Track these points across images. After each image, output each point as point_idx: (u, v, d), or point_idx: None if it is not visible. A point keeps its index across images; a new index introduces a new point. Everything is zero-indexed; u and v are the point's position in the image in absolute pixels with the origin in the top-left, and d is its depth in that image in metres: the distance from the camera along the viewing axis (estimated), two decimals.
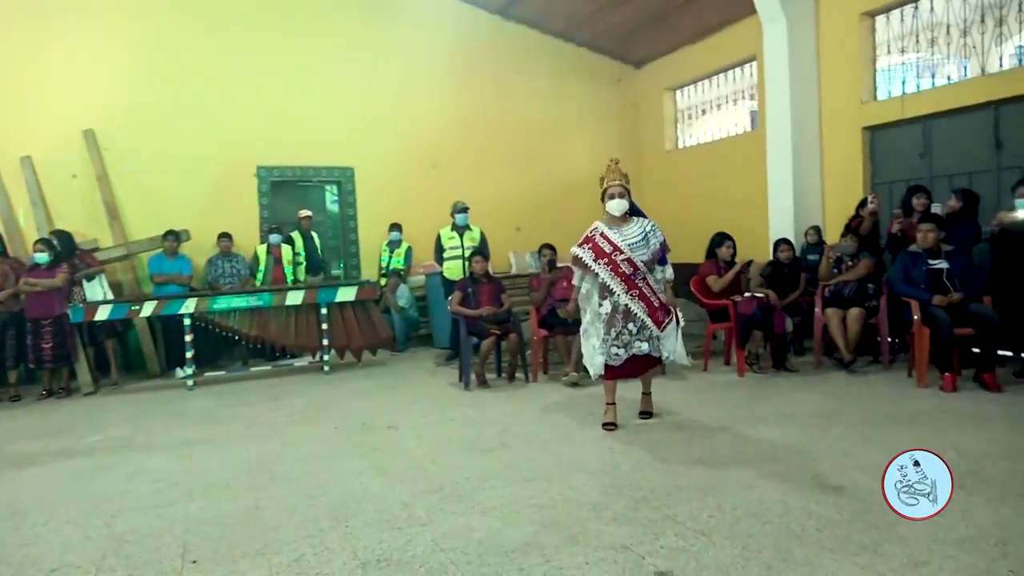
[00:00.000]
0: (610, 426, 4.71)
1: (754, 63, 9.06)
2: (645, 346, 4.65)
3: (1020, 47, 6.78)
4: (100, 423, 5.68)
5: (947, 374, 5.31)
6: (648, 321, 4.63)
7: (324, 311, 7.36)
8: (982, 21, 6.66)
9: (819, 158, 8.14)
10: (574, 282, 4.91)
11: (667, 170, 10.70)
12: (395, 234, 9.09)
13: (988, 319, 5.32)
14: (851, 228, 6.64)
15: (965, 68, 6.95)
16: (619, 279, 4.62)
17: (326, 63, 9.41)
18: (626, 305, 4.62)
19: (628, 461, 4.04)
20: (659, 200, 10.75)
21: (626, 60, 11.06)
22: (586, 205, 9.98)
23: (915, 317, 5.57)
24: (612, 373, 4.73)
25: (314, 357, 7.71)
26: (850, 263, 6.47)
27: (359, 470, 4.10)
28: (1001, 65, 6.63)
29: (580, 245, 4.75)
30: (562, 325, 6.41)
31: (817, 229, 7.51)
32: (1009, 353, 5.77)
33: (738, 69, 9.55)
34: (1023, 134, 6.31)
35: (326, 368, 7.40)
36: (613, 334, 4.63)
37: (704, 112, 10.40)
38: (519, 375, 6.58)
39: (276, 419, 5.52)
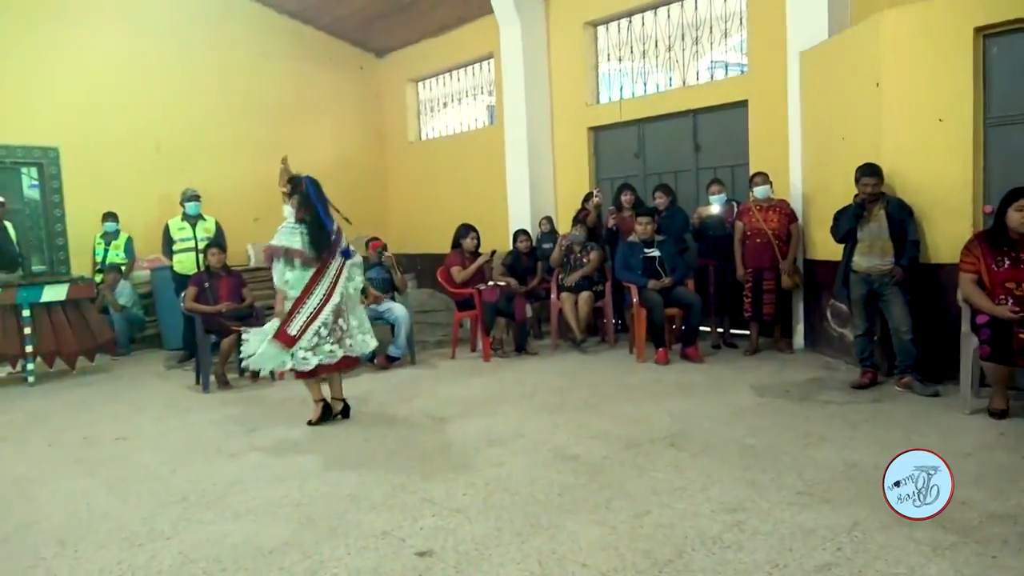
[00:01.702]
0: (317, 423, 4.65)
1: (492, 60, 9.49)
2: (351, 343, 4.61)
3: (713, 63, 7.89)
4: None
5: (660, 349, 6.08)
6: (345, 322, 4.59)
7: (27, 313, 6.41)
8: (683, 39, 7.63)
9: (551, 154, 8.79)
10: (274, 276, 4.64)
11: (411, 161, 10.82)
12: (110, 224, 8.12)
13: (691, 302, 6.16)
14: (579, 219, 7.29)
15: (671, 79, 7.92)
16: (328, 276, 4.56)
17: (23, 26, 8.12)
18: (338, 304, 4.54)
19: (383, 451, 4.09)
20: (404, 190, 10.89)
21: (368, 48, 10.96)
22: (329, 194, 9.78)
23: (634, 300, 6.27)
24: (319, 369, 4.56)
25: (14, 368, 6.69)
26: (579, 251, 7.08)
27: (85, 489, 3.67)
28: (697, 78, 7.66)
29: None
30: None
31: (550, 219, 8.08)
32: (707, 329, 6.73)
33: (477, 65, 9.93)
34: (716, 139, 7.34)
35: (30, 379, 6.46)
36: (324, 332, 4.47)
37: (446, 105, 10.67)
38: (264, 373, 6.29)
39: None
